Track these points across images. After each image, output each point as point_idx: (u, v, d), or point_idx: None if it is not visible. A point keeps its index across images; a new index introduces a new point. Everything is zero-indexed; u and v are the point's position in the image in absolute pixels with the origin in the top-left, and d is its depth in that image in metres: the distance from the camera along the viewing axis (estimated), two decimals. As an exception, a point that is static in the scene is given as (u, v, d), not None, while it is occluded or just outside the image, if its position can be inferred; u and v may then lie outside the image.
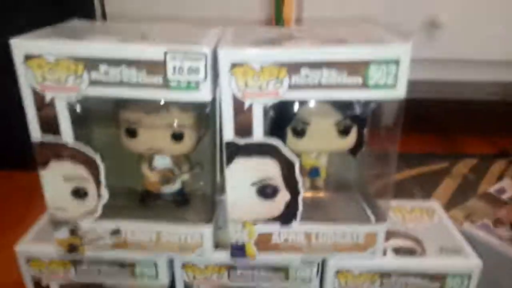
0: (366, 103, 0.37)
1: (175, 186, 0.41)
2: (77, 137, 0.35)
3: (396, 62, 0.33)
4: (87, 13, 0.67)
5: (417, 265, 0.40)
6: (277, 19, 0.64)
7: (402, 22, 0.63)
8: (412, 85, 0.34)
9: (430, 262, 0.40)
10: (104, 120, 0.38)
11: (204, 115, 0.37)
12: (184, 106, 0.36)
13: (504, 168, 0.79)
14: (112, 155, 0.36)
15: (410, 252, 0.42)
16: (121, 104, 0.36)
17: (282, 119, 0.37)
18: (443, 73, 0.74)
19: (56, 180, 0.35)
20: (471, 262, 0.40)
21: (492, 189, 0.58)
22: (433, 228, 0.45)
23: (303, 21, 0.66)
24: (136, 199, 0.41)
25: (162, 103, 0.35)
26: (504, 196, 0.56)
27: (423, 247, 0.42)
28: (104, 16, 0.69)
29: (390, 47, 0.32)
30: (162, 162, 0.40)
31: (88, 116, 0.36)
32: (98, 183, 0.36)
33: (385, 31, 0.36)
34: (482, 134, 0.93)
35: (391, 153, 0.38)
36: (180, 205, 0.42)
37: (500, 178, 0.76)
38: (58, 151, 0.34)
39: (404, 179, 0.72)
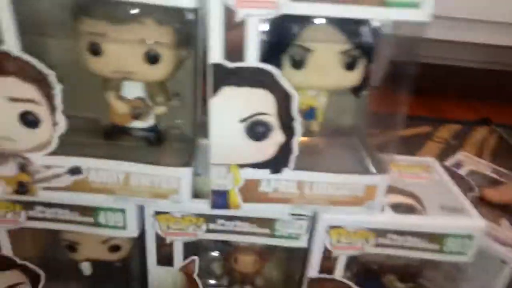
0: (377, 31, 0.32)
1: (147, 121, 0.35)
2: (25, 48, 0.27)
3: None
4: None
5: (416, 224, 0.36)
6: None
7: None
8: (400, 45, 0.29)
9: (430, 221, 0.36)
10: (62, 29, 0.31)
11: (186, 32, 0.30)
12: (161, 18, 0.30)
13: (485, 136, 0.78)
14: (70, 76, 0.30)
15: (409, 209, 0.38)
16: (82, 8, 0.29)
17: (277, 43, 0.31)
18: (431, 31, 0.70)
19: (0, 101, 0.29)
20: (474, 222, 0.36)
21: (448, 163, 0.55)
22: (432, 185, 0.41)
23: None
24: (100, 133, 0.35)
25: (133, 11, 0.29)
26: (461, 171, 0.53)
27: (422, 205, 0.38)
28: None
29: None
30: (133, 90, 0.34)
31: (41, 21, 0.28)
32: (53, 108, 0.29)
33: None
34: (465, 100, 0.92)
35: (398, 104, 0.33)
36: (153, 144, 0.36)
37: (481, 146, 0.76)
38: (1, 63, 0.27)
39: (387, 140, 0.70)
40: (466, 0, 0.66)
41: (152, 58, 0.31)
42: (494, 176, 0.53)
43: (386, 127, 0.36)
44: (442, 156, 0.56)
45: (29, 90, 0.28)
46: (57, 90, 0.29)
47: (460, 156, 0.57)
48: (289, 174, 0.33)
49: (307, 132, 0.36)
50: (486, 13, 0.69)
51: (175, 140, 0.37)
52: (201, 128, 0.34)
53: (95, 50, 0.30)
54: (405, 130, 0.34)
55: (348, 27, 0.31)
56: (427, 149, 0.73)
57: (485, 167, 0.55)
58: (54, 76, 0.28)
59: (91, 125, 0.34)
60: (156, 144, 0.36)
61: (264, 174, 0.33)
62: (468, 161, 0.56)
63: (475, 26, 0.73)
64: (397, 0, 0.27)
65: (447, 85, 0.93)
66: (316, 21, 0.30)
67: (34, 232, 0.35)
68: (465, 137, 0.78)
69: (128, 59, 0.31)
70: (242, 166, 0.33)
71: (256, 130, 0.31)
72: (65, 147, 0.31)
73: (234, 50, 0.28)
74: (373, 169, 0.37)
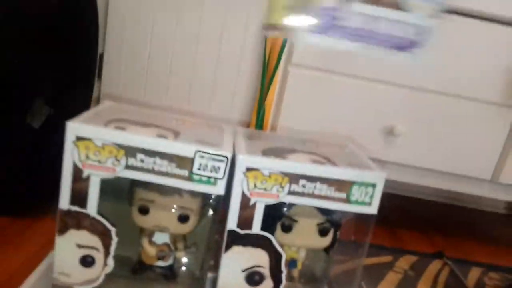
0: (344, 213, 0.46)
1: (167, 262, 0.45)
2: (98, 210, 0.39)
3: (373, 186, 0.42)
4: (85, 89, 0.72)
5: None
6: (258, 124, 0.74)
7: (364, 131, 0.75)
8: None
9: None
10: (120, 196, 0.42)
11: (209, 203, 0.43)
12: (193, 192, 0.42)
13: (440, 268, 0.87)
14: (119, 226, 0.41)
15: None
16: (138, 183, 0.41)
17: (274, 215, 0.44)
18: (397, 175, 0.86)
19: (69, 247, 0.39)
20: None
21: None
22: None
23: (277, 129, 0.75)
24: (128, 267, 0.44)
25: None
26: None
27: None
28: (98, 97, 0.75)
29: (370, 173, 0.42)
30: (161, 237, 0.45)
31: (108, 191, 0.40)
32: (107, 253, 0.40)
33: (365, 156, 0.46)
34: (423, 231, 1.04)
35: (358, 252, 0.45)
36: (169, 279, 0.46)
37: (435, 279, 0.84)
38: (80, 221, 0.38)
39: (352, 268, 0.79)
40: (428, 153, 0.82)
41: (184, 219, 0.43)
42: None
43: (351, 255, 0.46)
44: (400, 287, 0.63)
45: (94, 240, 0.39)
46: (114, 241, 0.39)
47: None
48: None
49: (289, 278, 0.48)
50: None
51: (186, 276, 0.46)
52: (209, 269, 0.44)
53: (144, 211, 0.42)
54: (370, 259, 0.43)
55: (323, 209, 0.44)
56: (388, 279, 0.80)
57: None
58: (114, 232, 0.39)
59: (122, 260, 0.44)
60: (171, 279, 0.46)
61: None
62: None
63: (432, 175, 0.88)
64: (356, 199, 0.42)
65: (407, 217, 1.06)
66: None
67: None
68: (421, 269, 0.84)
69: (166, 219, 0.42)
70: (239, 304, 0.43)
71: (254, 278, 0.42)
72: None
73: (245, 222, 0.41)
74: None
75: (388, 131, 0.77)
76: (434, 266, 0.88)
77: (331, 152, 0.46)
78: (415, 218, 1.07)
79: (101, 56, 0.74)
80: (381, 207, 0.42)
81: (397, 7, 0.35)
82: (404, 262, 0.87)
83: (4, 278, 0.49)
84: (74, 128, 0.37)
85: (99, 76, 0.75)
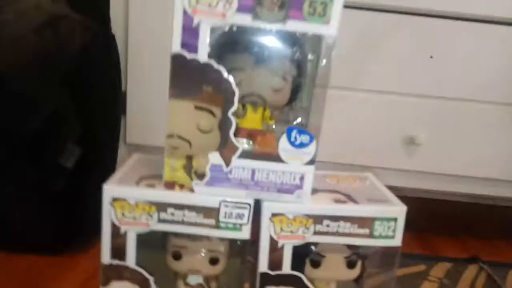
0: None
1: (202, 300, 0.48)
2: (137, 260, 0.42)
3: (395, 220, 0.43)
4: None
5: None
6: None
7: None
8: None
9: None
10: (154, 245, 0.45)
11: (237, 244, 0.45)
12: (223, 237, 0.45)
13: (476, 274, 0.84)
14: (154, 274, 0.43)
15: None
16: (170, 232, 0.44)
17: (302, 253, 0.46)
18: (422, 183, 0.85)
19: (112, 297, 0.42)
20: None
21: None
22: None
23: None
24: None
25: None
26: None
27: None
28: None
29: (391, 208, 0.43)
30: (195, 278, 0.47)
31: (144, 242, 0.43)
32: (146, 299, 0.43)
33: (385, 189, 0.47)
34: (454, 235, 1.01)
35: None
36: (206, 318, 0.48)
37: (472, 286, 0.83)
38: (121, 273, 0.41)
39: (384, 281, 0.79)
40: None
41: (214, 261, 0.45)
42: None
43: (383, 268, 0.46)
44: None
45: (134, 289, 0.42)
46: (152, 286, 0.42)
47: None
48: None
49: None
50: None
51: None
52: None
53: (177, 257, 0.45)
54: (401, 269, 0.44)
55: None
56: (424, 290, 0.79)
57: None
58: (152, 280, 0.42)
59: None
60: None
61: None
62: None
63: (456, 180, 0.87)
64: (379, 234, 0.43)
65: (436, 219, 1.04)
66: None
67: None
68: (457, 276, 0.82)
69: (198, 262, 0.45)
70: None
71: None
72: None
73: (275, 263, 0.43)
74: None
75: (409, 141, 0.77)
76: (470, 272, 0.85)
77: (352, 188, 0.47)
78: (445, 221, 1.04)
79: (124, 93, 0.78)
80: (408, 212, 0.43)
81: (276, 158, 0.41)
82: (438, 270, 0.85)
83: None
84: (109, 190, 0.40)
85: (124, 113, 0.78)
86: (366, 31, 0.72)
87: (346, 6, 0.38)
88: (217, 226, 0.41)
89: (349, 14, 0.38)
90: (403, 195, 0.45)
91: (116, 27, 0.71)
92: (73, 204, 0.66)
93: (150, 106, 0.74)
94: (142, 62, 0.74)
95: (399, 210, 0.43)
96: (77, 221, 0.65)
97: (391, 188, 0.47)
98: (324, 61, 0.39)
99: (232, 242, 0.46)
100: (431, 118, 0.76)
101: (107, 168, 0.66)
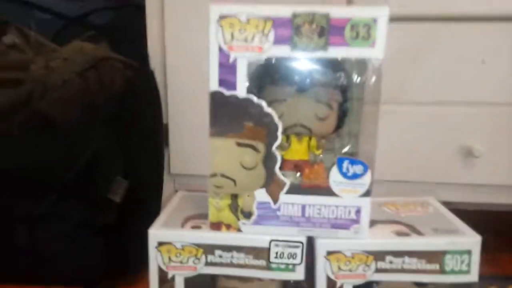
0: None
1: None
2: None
3: (469, 252, 0.37)
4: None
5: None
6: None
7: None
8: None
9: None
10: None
11: (290, 284, 0.42)
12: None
13: None
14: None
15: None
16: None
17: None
18: (485, 196, 0.77)
19: None
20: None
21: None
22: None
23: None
24: None
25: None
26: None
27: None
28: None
29: (463, 240, 0.38)
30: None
31: (192, 285, 0.41)
32: None
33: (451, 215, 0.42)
34: None
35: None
36: None
37: None
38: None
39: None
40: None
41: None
42: None
43: None
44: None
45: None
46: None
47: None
48: None
49: None
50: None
51: None
52: None
53: (230, 298, 0.42)
54: None
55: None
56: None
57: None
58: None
59: None
60: None
61: None
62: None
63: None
64: (452, 269, 0.38)
65: (502, 233, 0.95)
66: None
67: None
68: None
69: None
70: None
71: None
72: None
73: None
74: None
75: (466, 152, 0.70)
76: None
77: (414, 216, 0.43)
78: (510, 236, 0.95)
79: (166, 126, 0.78)
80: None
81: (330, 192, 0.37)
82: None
83: None
84: (155, 235, 0.39)
85: (167, 144, 0.79)
86: (408, 43, 0.68)
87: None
88: (268, 267, 0.38)
89: (390, 27, 0.35)
90: (463, 208, 0.40)
91: (154, 63, 0.72)
92: (120, 238, 0.66)
93: (191, 136, 0.73)
94: (182, 95, 0.74)
95: (473, 242, 0.38)
96: (124, 254, 0.65)
97: (451, 204, 0.42)
98: (372, 82, 0.36)
99: (285, 282, 0.42)
100: (487, 126, 0.69)
101: (153, 200, 0.66)
